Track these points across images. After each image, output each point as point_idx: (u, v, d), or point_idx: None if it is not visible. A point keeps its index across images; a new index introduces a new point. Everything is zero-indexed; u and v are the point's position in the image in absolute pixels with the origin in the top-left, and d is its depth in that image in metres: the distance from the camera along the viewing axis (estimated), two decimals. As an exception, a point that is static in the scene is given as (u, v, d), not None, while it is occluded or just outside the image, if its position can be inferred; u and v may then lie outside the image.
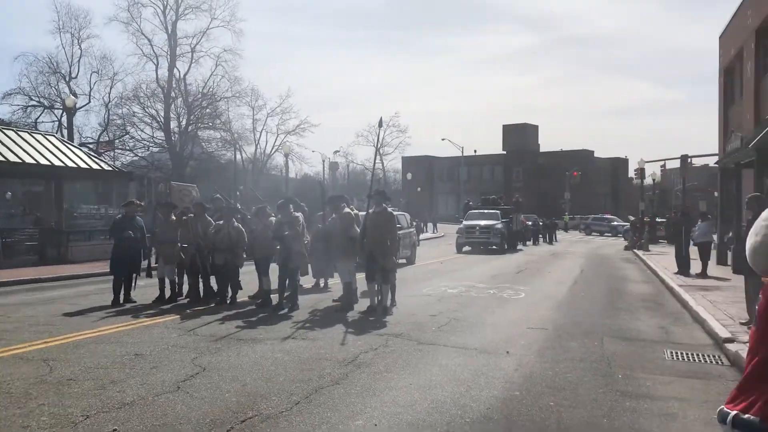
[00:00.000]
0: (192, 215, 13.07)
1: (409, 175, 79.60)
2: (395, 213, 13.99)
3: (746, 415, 2.08)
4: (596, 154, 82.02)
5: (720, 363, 8.00)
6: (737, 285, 13.12)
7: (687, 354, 8.45)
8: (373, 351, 8.12)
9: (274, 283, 12.11)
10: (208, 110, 52.50)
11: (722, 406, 2.20)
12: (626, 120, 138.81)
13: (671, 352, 8.52)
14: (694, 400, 6.27)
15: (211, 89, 53.59)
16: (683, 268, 18.80)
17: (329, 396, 6.11)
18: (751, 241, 2.15)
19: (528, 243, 39.84)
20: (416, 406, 5.82)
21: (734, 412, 2.13)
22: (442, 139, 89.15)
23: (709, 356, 8.33)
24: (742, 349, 7.84)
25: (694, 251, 19.49)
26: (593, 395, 6.33)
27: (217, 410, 5.64)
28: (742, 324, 9.68)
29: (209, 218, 13.10)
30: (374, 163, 38.52)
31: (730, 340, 8.60)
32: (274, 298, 11.94)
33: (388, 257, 11.38)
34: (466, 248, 30.94)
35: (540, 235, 43.41)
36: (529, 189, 75.26)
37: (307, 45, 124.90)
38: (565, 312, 11.84)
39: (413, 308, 11.78)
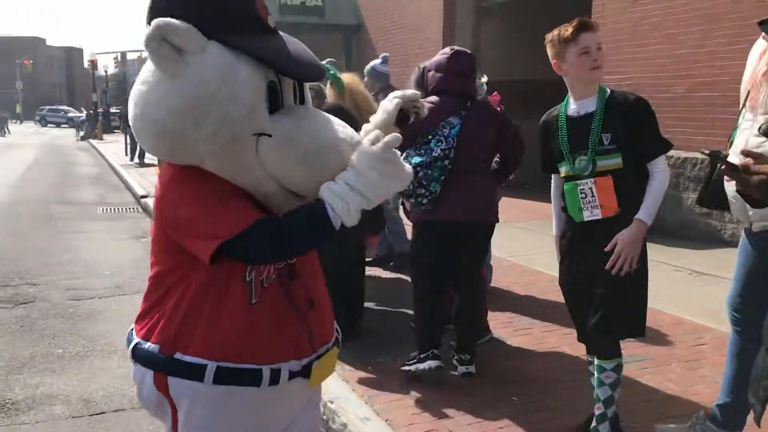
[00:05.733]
0: None
1: None
2: None
3: (147, 344, 1.71)
4: (49, 42, 79.08)
5: (136, 211, 11.43)
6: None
7: (116, 209, 11.63)
8: None
9: None
10: None
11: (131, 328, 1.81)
12: (78, 6, 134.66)
13: (103, 209, 11.58)
14: (109, 231, 9.43)
15: None
16: (132, 153, 21.00)
17: None
18: None
19: (-23, 136, 38.12)
20: None
21: (136, 340, 1.75)
22: None
23: (130, 209, 11.69)
24: (150, 200, 11.37)
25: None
26: (34, 231, 8.90)
27: None
28: (156, 186, 13.32)
29: None
30: None
31: (145, 196, 12.07)
32: None
33: None
34: None
35: (-9, 128, 41.73)
36: (-27, 77, 68.88)
37: None
38: (17, 191, 13.72)
39: None
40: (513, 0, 11.93)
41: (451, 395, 3.64)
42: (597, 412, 2.97)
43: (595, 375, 2.97)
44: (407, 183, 1.63)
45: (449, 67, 3.88)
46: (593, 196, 2.82)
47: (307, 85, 1.76)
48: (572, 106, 2.96)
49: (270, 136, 1.57)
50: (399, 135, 1.59)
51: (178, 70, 1.55)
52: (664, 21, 7.72)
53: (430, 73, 3.97)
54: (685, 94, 7.54)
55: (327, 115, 1.73)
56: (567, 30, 2.85)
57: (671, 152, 7.58)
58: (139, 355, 1.72)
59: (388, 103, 1.97)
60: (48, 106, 59.96)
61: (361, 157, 1.56)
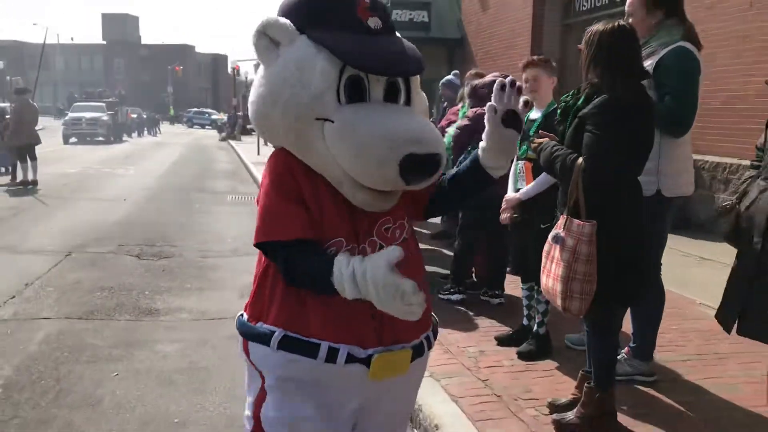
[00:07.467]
0: None
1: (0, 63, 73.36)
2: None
3: (244, 315, 1.92)
4: (197, 50, 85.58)
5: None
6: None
7: (243, 197, 13.76)
8: (15, 209, 11.64)
9: None
10: None
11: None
12: (226, 17, 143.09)
13: (233, 197, 13.74)
14: (234, 214, 11.45)
15: None
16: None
17: None
18: None
19: (134, 135, 42.67)
20: (69, 225, 9.85)
21: (240, 312, 1.95)
22: (34, 24, 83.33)
23: (255, 197, 13.75)
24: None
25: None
26: (176, 210, 11.05)
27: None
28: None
29: None
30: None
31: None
32: None
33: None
34: (73, 140, 32.76)
35: (145, 128, 46.38)
36: (132, 81, 75.65)
37: None
38: (164, 180, 16.31)
39: (40, 183, 14.86)
40: (596, 18, 12.93)
41: (448, 314, 5.11)
42: (538, 320, 4.40)
43: (535, 297, 4.38)
44: (408, 316, 1.57)
45: None
46: (522, 172, 4.23)
47: (415, 86, 1.85)
48: (534, 111, 4.34)
49: (333, 122, 1.68)
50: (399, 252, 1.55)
51: (271, 60, 1.75)
52: (703, 41, 8.63)
53: (484, 89, 5.35)
54: (719, 107, 8.46)
55: (413, 115, 1.78)
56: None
57: (706, 156, 8.64)
58: (237, 325, 1.92)
59: (487, 116, 1.88)
60: (194, 109, 64.69)
61: (373, 267, 1.55)
